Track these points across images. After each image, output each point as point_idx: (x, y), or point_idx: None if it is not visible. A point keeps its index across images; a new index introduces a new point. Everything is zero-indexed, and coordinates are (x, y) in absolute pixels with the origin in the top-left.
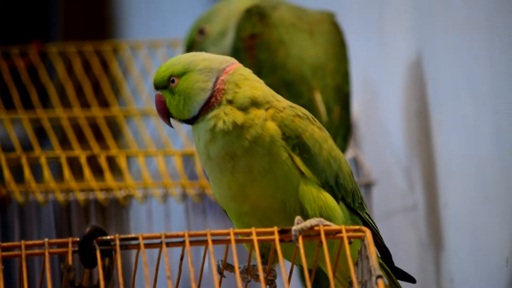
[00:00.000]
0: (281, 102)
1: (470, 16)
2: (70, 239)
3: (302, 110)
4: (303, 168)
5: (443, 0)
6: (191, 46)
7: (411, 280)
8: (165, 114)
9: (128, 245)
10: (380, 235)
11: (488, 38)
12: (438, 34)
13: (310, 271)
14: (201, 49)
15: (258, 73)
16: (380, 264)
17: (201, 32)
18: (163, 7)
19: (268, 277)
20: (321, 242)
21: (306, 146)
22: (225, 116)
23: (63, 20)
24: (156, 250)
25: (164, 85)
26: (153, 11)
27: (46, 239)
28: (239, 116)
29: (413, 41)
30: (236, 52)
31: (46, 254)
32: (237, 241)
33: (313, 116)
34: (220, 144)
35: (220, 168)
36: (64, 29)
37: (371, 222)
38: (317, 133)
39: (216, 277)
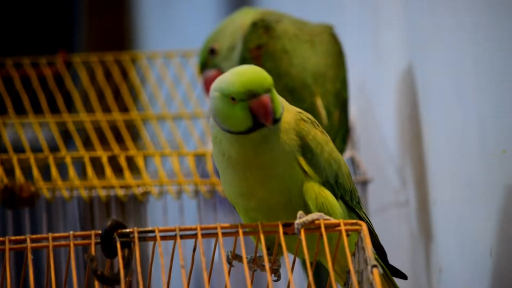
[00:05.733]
0: (289, 107)
1: (456, 29)
2: (93, 232)
3: (306, 115)
4: (306, 167)
5: (432, 15)
6: (205, 65)
7: (403, 276)
8: (273, 114)
9: (145, 237)
10: (375, 233)
11: (473, 49)
12: (427, 45)
13: (311, 262)
14: (214, 66)
15: None
16: (376, 260)
17: (212, 51)
18: (177, 21)
19: (273, 267)
20: (321, 234)
21: (309, 147)
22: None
23: (86, 33)
24: (171, 242)
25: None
26: (168, 24)
27: (71, 232)
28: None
29: (405, 52)
30: (244, 62)
31: (71, 245)
32: (244, 234)
33: (316, 121)
34: (250, 149)
35: (235, 171)
36: (87, 41)
37: (368, 221)
38: (319, 136)
39: (225, 266)
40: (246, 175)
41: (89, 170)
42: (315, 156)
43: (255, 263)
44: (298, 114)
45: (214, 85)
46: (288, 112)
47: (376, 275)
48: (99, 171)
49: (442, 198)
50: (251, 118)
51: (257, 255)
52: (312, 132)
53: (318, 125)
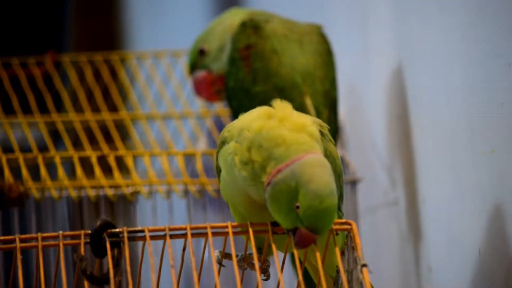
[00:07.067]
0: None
1: (446, 28)
2: (82, 232)
3: (321, 124)
4: None
5: (421, 15)
6: (194, 66)
7: None
8: None
9: (135, 237)
10: None
11: (462, 49)
12: (417, 45)
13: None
14: (203, 67)
15: (254, 80)
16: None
17: (201, 52)
18: (166, 21)
19: (262, 266)
20: None
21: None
22: None
23: (75, 33)
24: (161, 242)
25: None
26: (157, 24)
27: (61, 232)
28: None
29: (394, 52)
30: (233, 62)
31: (61, 245)
32: (234, 233)
33: (328, 128)
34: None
35: (249, 197)
36: (77, 41)
37: None
38: (333, 150)
39: (215, 266)
40: (258, 202)
41: (78, 170)
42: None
43: (245, 261)
44: (316, 125)
45: (298, 171)
46: (306, 119)
47: (365, 274)
48: (88, 171)
49: (431, 197)
50: (291, 234)
51: (247, 253)
52: (329, 147)
53: (328, 134)
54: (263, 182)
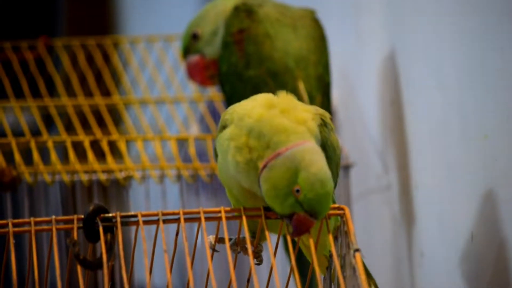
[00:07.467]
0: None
1: (438, 15)
2: (75, 216)
3: (323, 114)
4: None
5: (414, 2)
6: (188, 50)
7: None
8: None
9: (128, 221)
10: None
11: (455, 35)
12: (409, 31)
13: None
14: (196, 51)
15: (247, 64)
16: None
17: (194, 36)
18: (159, 5)
19: (255, 250)
20: None
21: (326, 153)
22: None
23: (68, 17)
24: (154, 226)
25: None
26: (150, 9)
27: (53, 216)
28: None
29: (387, 38)
30: (226, 47)
31: (54, 230)
32: (227, 218)
33: (330, 117)
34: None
35: (232, 176)
36: (69, 25)
37: None
38: (334, 139)
39: (208, 250)
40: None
41: (71, 155)
42: (329, 160)
43: (238, 244)
44: (318, 117)
45: (299, 155)
46: (307, 113)
47: (358, 259)
48: (81, 156)
49: (424, 182)
50: (288, 219)
51: (240, 236)
52: (330, 137)
53: (330, 123)
54: (257, 167)
